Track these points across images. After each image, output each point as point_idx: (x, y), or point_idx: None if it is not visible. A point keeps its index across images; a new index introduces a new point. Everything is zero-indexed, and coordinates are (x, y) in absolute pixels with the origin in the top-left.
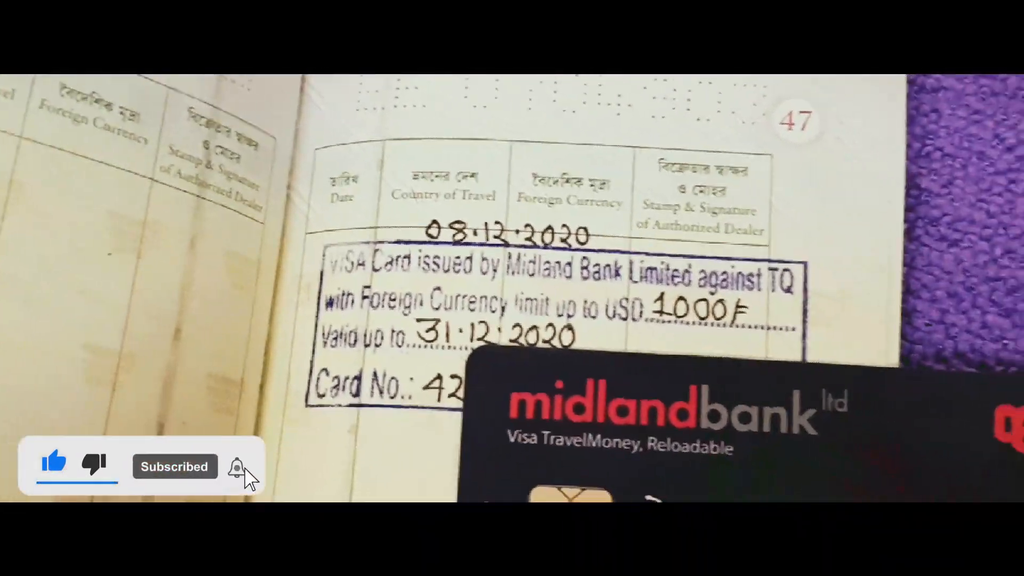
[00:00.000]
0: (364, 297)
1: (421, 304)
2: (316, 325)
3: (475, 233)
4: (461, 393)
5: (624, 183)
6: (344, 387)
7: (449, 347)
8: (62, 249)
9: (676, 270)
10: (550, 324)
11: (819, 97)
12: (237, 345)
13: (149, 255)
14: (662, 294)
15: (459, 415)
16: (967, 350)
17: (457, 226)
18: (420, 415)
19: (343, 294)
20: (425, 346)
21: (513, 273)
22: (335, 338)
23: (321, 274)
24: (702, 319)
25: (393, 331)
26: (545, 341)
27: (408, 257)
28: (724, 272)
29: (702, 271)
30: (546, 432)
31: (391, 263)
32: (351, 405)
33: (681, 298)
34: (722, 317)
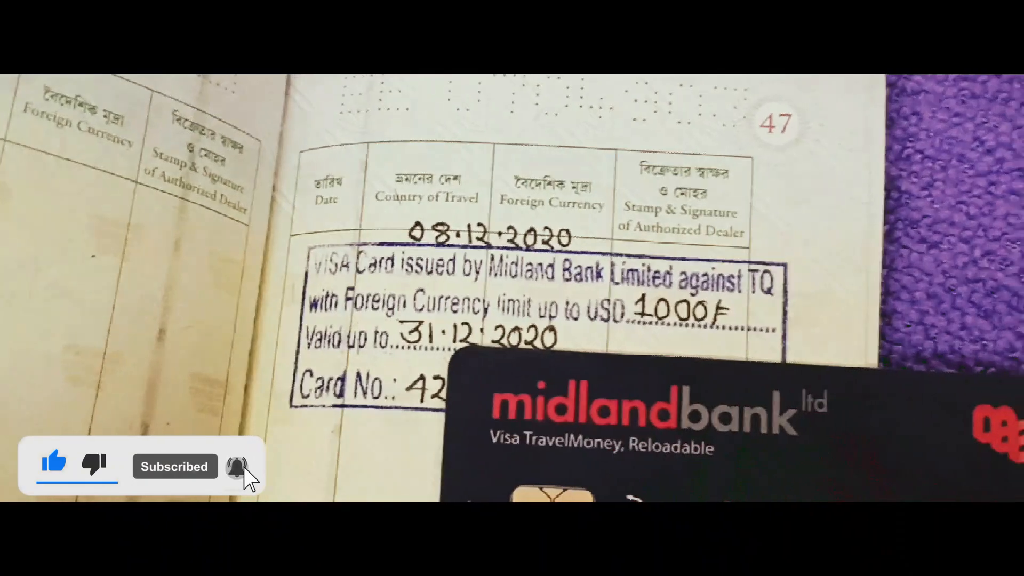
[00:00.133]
0: (348, 298)
1: (404, 305)
2: (300, 326)
3: (458, 235)
4: (444, 394)
5: (606, 185)
6: (328, 388)
7: (432, 348)
8: (46, 251)
9: (657, 272)
10: (532, 325)
11: (799, 100)
12: (221, 346)
13: (133, 257)
14: (643, 295)
15: (442, 415)
16: (946, 351)
17: (440, 228)
18: (403, 416)
19: (327, 295)
20: (408, 347)
21: (496, 275)
22: (319, 339)
23: (305, 275)
24: (683, 320)
25: (376, 332)
26: (527, 342)
27: (391, 259)
28: (705, 274)
29: (683, 273)
30: (528, 432)
31: (375, 265)
32: (335, 406)
33: (662, 299)
34: (703, 318)
